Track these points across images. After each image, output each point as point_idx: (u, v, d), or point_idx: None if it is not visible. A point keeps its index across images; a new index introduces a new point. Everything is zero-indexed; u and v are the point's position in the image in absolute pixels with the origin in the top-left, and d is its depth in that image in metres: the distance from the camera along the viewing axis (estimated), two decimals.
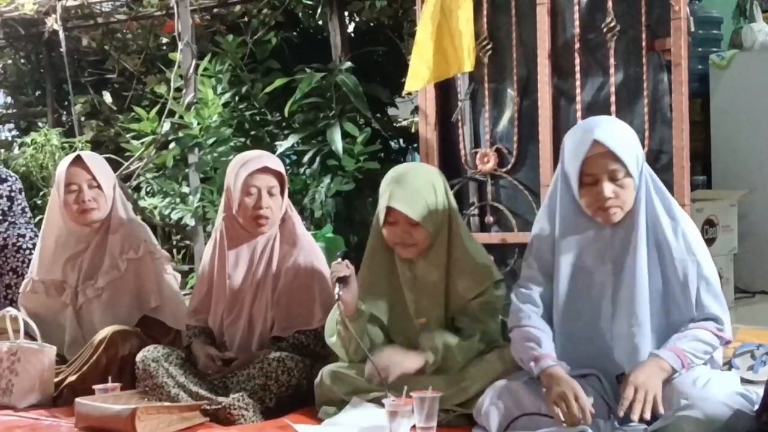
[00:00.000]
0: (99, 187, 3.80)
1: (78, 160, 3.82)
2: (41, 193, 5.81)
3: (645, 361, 2.64)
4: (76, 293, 3.82)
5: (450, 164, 4.30)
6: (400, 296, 3.22)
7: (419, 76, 4.13)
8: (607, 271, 2.74)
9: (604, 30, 3.83)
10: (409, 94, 5.00)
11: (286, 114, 4.96)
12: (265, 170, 3.50)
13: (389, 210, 3.12)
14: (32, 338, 3.66)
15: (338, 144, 4.71)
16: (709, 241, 4.31)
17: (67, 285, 3.83)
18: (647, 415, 2.54)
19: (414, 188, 3.12)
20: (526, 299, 2.85)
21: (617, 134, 2.69)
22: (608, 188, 2.65)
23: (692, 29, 3.74)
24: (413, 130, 5.79)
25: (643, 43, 3.77)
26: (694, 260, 2.71)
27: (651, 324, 2.71)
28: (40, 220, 4.17)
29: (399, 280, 3.22)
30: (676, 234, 2.72)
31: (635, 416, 2.52)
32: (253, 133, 5.25)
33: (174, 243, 6.00)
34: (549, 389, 2.61)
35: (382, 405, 2.90)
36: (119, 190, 3.97)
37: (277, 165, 3.56)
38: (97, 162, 3.88)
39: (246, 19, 5.85)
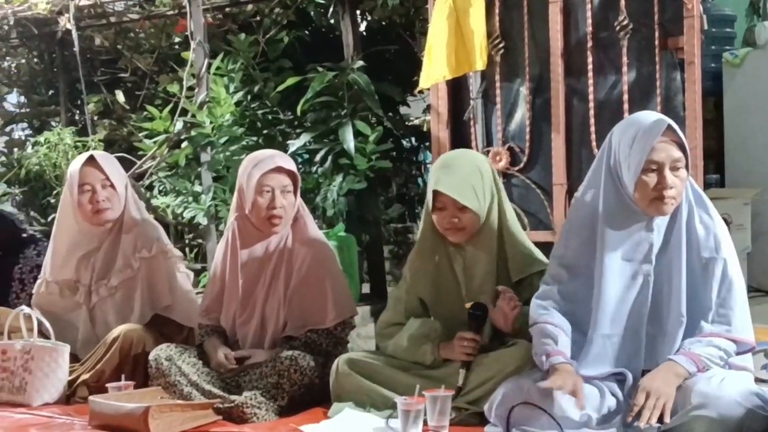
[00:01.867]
0: (112, 186, 3.81)
1: (91, 160, 3.83)
2: (54, 192, 5.82)
3: (660, 366, 2.65)
4: (90, 292, 3.83)
5: None
6: (449, 280, 3.25)
7: (432, 73, 4.13)
8: (650, 267, 2.75)
9: (617, 28, 3.82)
10: (422, 92, 5.00)
11: (298, 113, 4.96)
12: (279, 170, 3.50)
13: (437, 195, 3.17)
14: (46, 337, 3.68)
15: (350, 143, 4.71)
16: None
17: (81, 284, 3.84)
18: (654, 422, 2.54)
19: (461, 173, 3.16)
20: (547, 295, 2.86)
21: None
22: (670, 176, 2.68)
23: (705, 27, 3.72)
24: (425, 129, 5.79)
25: (656, 42, 3.75)
26: (722, 260, 2.71)
27: (680, 321, 2.71)
28: (53, 219, 4.19)
29: (448, 265, 3.25)
30: (708, 232, 2.73)
31: (642, 423, 2.53)
32: (265, 131, 5.25)
33: (186, 242, 6.01)
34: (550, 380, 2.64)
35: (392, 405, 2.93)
36: (131, 190, 3.99)
37: (290, 164, 3.56)
38: (109, 162, 3.90)
39: (258, 18, 5.85)
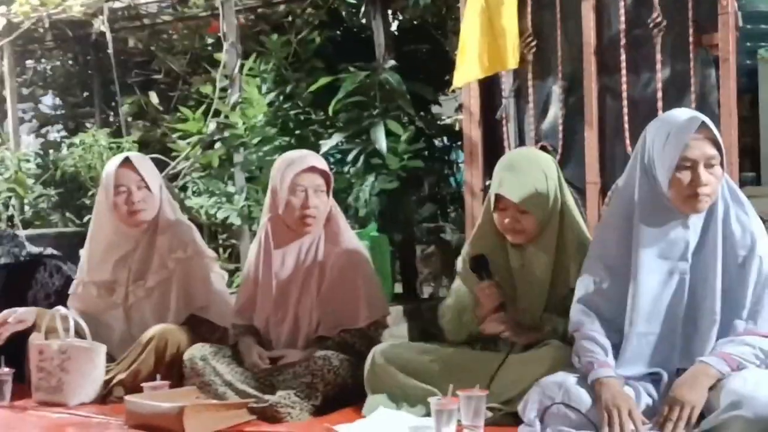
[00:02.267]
0: (147, 187, 3.83)
1: (126, 162, 3.86)
2: (90, 193, 5.87)
3: (691, 368, 2.63)
4: (127, 293, 3.86)
5: (494, 162, 4.24)
6: (503, 279, 3.24)
7: (465, 72, 4.12)
8: (686, 265, 2.74)
9: (651, 25, 3.79)
10: (453, 91, 4.99)
11: (330, 113, 4.96)
12: (312, 169, 3.51)
13: (499, 197, 3.16)
14: (82, 337, 3.71)
15: (382, 142, 4.71)
16: None
17: (117, 285, 3.87)
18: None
19: (524, 175, 3.16)
20: (590, 299, 2.85)
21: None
22: (705, 174, 2.66)
23: (740, 24, 3.69)
24: (457, 128, 5.77)
25: (690, 39, 3.72)
26: (758, 257, 2.70)
27: (714, 319, 2.69)
28: (89, 220, 4.22)
29: (504, 263, 3.26)
30: (744, 230, 2.72)
31: None
32: (297, 132, 5.26)
33: (220, 242, 6.03)
34: (599, 397, 2.61)
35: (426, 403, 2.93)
36: (166, 191, 4.01)
37: (323, 164, 3.57)
38: (145, 163, 3.92)
39: (290, 18, 5.86)
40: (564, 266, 3.16)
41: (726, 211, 2.74)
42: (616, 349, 2.77)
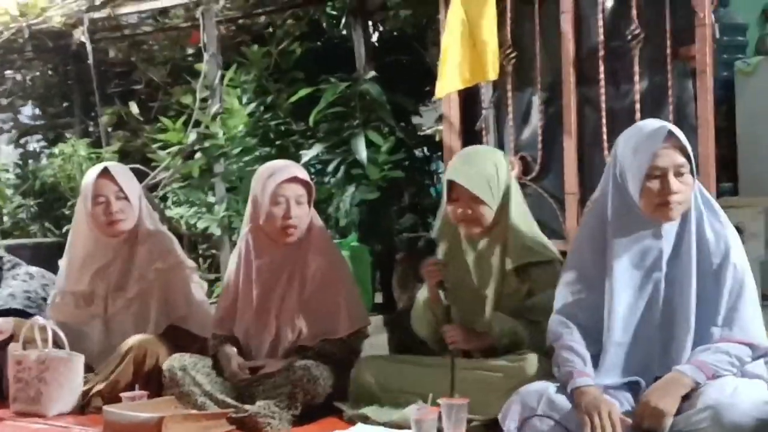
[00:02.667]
0: (126, 198, 3.83)
1: (105, 172, 3.85)
2: (69, 204, 5.85)
3: (664, 377, 2.65)
4: (106, 304, 3.85)
5: None
6: (462, 270, 3.31)
7: (447, 82, 4.14)
8: (660, 274, 2.76)
9: (629, 37, 3.81)
10: (433, 102, 5.00)
11: (310, 123, 4.97)
12: (294, 180, 3.52)
13: (452, 186, 3.23)
14: (60, 347, 3.69)
15: (362, 153, 4.72)
16: None
17: (96, 295, 3.86)
18: None
19: (476, 164, 3.26)
20: (568, 310, 2.86)
21: (681, 132, 2.75)
22: (675, 182, 2.69)
23: (717, 36, 3.72)
24: (438, 139, 5.78)
25: (668, 51, 3.75)
26: (731, 264, 2.72)
27: (690, 327, 2.71)
28: (68, 230, 4.20)
29: (461, 256, 3.32)
30: (718, 238, 2.74)
31: None
32: (278, 142, 5.27)
33: (200, 252, 6.03)
34: (579, 405, 2.62)
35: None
36: (146, 201, 4.00)
37: (305, 175, 3.58)
38: (123, 173, 3.91)
39: (271, 29, 5.87)
40: (512, 263, 3.23)
41: (699, 219, 2.76)
42: (596, 358, 2.78)
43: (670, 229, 2.75)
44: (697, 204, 2.77)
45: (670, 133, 2.71)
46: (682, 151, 2.71)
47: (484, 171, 3.24)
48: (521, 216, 3.31)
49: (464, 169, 3.24)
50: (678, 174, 2.69)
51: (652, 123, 2.82)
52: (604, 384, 2.72)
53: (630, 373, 2.75)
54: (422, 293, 3.41)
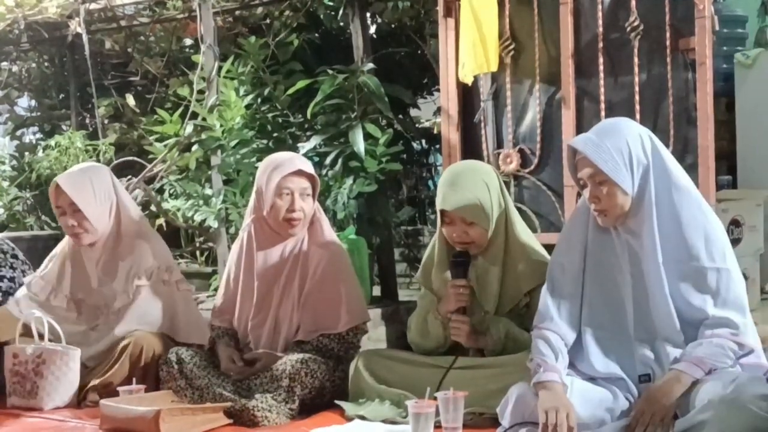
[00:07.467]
0: (80, 211, 3.75)
1: (56, 186, 3.78)
2: None
3: (665, 376, 2.65)
4: (90, 314, 3.83)
5: None
6: None
7: (470, 66, 4.12)
8: (626, 275, 2.78)
9: (628, 29, 3.80)
10: (431, 93, 4.97)
11: (308, 116, 4.95)
12: (299, 173, 3.51)
13: (444, 211, 3.17)
14: (57, 341, 3.68)
15: (360, 145, 4.70)
16: (735, 242, 4.27)
17: (84, 304, 3.84)
18: None
19: (466, 189, 3.19)
20: (549, 304, 2.86)
21: (596, 141, 2.73)
22: (587, 192, 2.76)
23: (717, 28, 3.71)
24: (436, 131, 5.78)
25: (667, 43, 3.74)
26: (713, 260, 2.71)
27: (670, 325, 2.71)
28: None
29: None
30: (697, 233, 2.73)
31: None
32: (275, 134, 5.24)
33: (197, 245, 6.02)
34: (540, 399, 2.62)
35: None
36: (131, 207, 3.94)
37: (310, 168, 3.57)
38: (76, 186, 3.78)
39: (268, 21, 5.84)
40: (514, 271, 3.22)
41: (674, 217, 2.74)
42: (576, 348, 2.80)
43: (631, 231, 2.76)
44: (662, 199, 2.75)
45: (569, 147, 2.79)
46: (589, 160, 2.72)
47: (474, 193, 3.18)
48: (523, 233, 3.29)
49: (451, 194, 3.19)
50: (596, 183, 2.72)
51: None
52: (587, 373, 2.74)
53: (611, 369, 2.75)
54: (423, 306, 3.38)
